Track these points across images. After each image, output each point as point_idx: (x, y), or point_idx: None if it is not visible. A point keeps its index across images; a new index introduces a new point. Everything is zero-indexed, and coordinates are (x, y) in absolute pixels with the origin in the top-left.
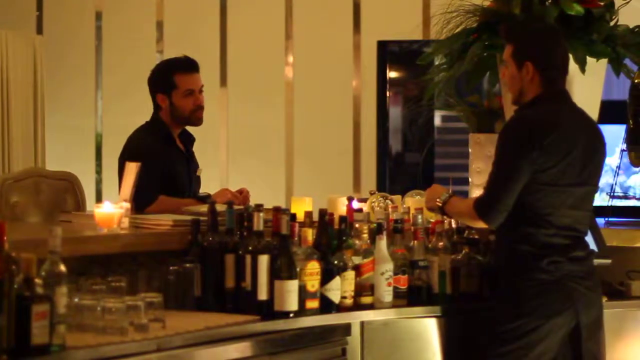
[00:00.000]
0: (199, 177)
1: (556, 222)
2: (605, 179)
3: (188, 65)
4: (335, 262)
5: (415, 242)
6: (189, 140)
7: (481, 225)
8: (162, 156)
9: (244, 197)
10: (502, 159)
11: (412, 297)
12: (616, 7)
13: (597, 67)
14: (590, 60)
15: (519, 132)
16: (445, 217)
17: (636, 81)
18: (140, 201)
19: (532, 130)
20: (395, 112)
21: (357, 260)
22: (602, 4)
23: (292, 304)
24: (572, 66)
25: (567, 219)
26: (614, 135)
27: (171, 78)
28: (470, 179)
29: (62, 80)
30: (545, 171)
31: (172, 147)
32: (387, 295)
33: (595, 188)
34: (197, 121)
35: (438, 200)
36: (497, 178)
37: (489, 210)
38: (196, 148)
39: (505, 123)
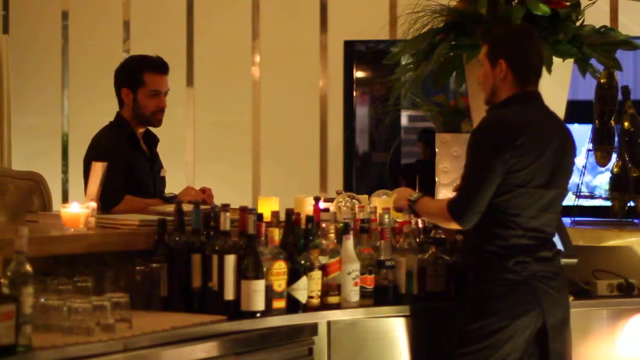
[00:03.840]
0: (163, 178)
1: (524, 223)
2: (572, 179)
3: (159, 66)
4: (302, 261)
5: (382, 241)
6: (153, 140)
7: (454, 226)
8: (126, 156)
9: (207, 195)
10: (474, 160)
11: (378, 296)
12: (582, 7)
13: (563, 67)
14: (556, 60)
15: (492, 132)
16: (413, 216)
17: (602, 81)
18: (107, 201)
19: (504, 130)
20: (362, 112)
21: (323, 260)
22: (568, 4)
23: (259, 304)
24: None
25: (536, 221)
26: (580, 135)
27: (140, 75)
28: (436, 179)
29: (28, 80)
30: (516, 172)
31: (136, 147)
32: (354, 295)
33: (564, 191)
34: (157, 123)
35: (409, 198)
36: (470, 179)
37: (463, 212)
38: (162, 148)
39: (478, 123)
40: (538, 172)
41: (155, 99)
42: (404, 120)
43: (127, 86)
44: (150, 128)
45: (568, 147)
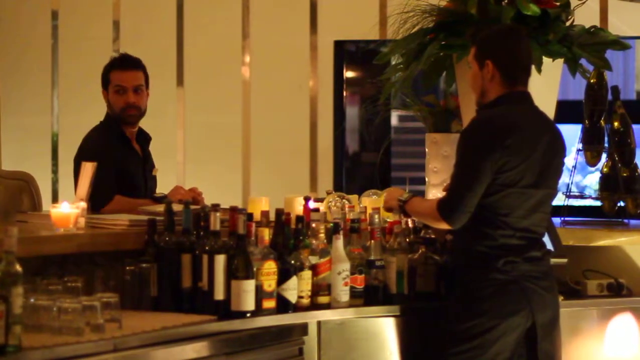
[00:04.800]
0: (155, 177)
1: (514, 223)
2: (561, 179)
3: (122, 63)
4: (292, 261)
5: (372, 241)
6: (145, 139)
7: (444, 226)
8: (116, 156)
9: (197, 193)
10: (464, 160)
11: (368, 296)
12: (572, 8)
13: (553, 67)
14: (546, 60)
15: (481, 132)
16: (404, 216)
17: (592, 81)
18: (97, 201)
19: (493, 130)
20: (352, 112)
21: (313, 259)
22: (558, 4)
23: (249, 304)
24: None
25: (525, 221)
26: (570, 135)
27: (107, 75)
28: (426, 179)
29: (17, 80)
30: (506, 172)
31: (127, 146)
32: (344, 295)
33: (554, 191)
34: (129, 118)
35: (400, 198)
36: (459, 179)
37: (452, 212)
38: (153, 148)
39: (467, 124)
40: (527, 172)
41: (122, 95)
42: (394, 120)
43: (103, 88)
44: (143, 127)
45: (558, 147)
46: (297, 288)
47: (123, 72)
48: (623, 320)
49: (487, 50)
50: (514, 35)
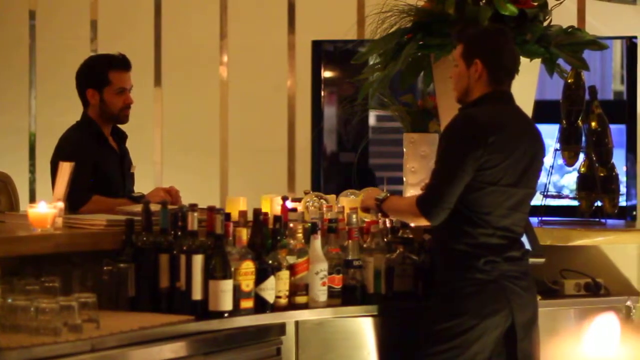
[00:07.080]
0: (133, 175)
1: (494, 222)
2: (539, 179)
3: (123, 64)
4: (270, 261)
5: (350, 241)
6: (122, 137)
7: (423, 222)
8: (94, 155)
9: (174, 195)
10: (446, 157)
11: (346, 296)
12: (549, 8)
13: (531, 67)
14: (524, 60)
15: (464, 129)
16: (382, 216)
17: (569, 81)
18: (74, 201)
19: (477, 128)
20: (329, 112)
21: (291, 259)
22: (535, 4)
23: (227, 304)
24: None
25: (505, 220)
26: (548, 134)
27: (105, 74)
28: (404, 179)
29: None
30: (487, 170)
31: (104, 145)
32: (322, 295)
33: (533, 191)
34: (125, 119)
35: (377, 197)
36: (440, 175)
37: (432, 208)
38: (130, 148)
39: (450, 121)
40: (508, 171)
41: (122, 96)
42: (371, 120)
43: (92, 87)
44: (121, 127)
45: (537, 147)
46: (274, 288)
47: (124, 73)
48: (600, 320)
49: (476, 50)
50: (503, 36)
